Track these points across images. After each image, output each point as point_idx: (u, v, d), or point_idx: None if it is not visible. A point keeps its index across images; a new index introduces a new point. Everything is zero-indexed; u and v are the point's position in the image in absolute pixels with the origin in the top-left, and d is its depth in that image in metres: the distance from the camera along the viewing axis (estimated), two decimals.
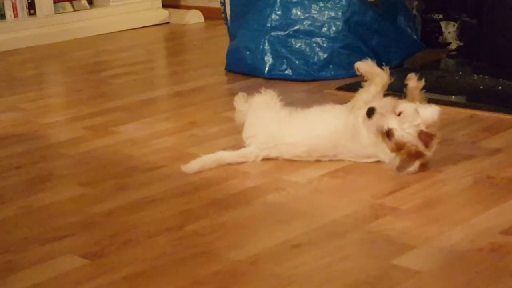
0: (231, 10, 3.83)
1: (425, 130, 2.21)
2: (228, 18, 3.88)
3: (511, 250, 1.79)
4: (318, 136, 2.39)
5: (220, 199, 2.19)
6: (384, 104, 2.27)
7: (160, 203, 2.18)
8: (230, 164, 2.43)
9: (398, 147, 2.24)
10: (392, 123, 2.23)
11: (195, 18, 5.23)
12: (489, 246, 1.82)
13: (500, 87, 3.15)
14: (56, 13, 4.79)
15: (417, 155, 2.24)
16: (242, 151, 2.46)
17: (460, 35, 3.78)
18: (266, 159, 2.45)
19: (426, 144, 2.23)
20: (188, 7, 5.37)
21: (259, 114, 2.50)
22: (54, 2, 4.78)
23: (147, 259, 1.85)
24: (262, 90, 2.56)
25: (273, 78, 3.50)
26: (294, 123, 2.45)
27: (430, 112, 2.22)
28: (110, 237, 1.98)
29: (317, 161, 2.42)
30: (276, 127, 2.44)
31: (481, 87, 3.19)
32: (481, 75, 3.28)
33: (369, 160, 2.38)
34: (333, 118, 2.42)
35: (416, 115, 2.22)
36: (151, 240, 1.95)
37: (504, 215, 1.98)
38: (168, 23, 5.22)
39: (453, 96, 3.07)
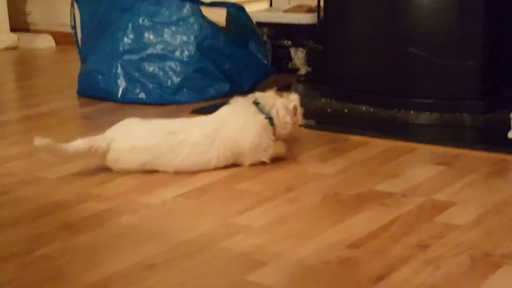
0: (82, 33, 3.77)
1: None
2: (80, 41, 3.82)
3: (357, 262, 1.87)
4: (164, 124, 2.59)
5: (71, 222, 2.15)
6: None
7: (8, 228, 2.10)
8: (82, 182, 2.39)
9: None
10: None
11: (45, 42, 5.11)
12: (336, 259, 1.89)
13: (346, 110, 3.29)
14: None
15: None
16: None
17: (308, 61, 3.92)
18: (120, 181, 2.43)
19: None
20: (38, 31, 5.24)
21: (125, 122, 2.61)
22: None
23: None
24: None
25: (127, 102, 3.48)
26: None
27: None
28: None
29: (170, 181, 2.42)
30: (136, 127, 2.56)
31: (329, 110, 3.32)
32: (328, 99, 3.42)
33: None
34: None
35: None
36: None
37: (351, 230, 2.07)
38: (17, 47, 5.06)
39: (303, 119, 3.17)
